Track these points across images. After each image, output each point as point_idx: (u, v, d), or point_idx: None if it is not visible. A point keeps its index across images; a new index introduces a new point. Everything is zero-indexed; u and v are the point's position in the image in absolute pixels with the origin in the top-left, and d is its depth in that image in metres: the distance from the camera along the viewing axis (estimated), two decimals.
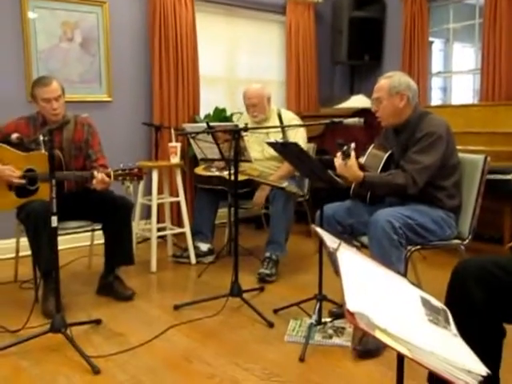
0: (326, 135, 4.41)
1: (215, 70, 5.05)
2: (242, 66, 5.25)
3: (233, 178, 2.82)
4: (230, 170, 3.21)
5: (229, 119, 4.69)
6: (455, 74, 5.29)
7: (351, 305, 1.03)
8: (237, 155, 2.74)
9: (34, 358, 2.26)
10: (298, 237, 4.23)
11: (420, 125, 2.54)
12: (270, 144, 2.52)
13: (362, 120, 2.53)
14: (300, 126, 3.55)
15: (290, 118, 3.71)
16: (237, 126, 3.04)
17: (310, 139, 3.88)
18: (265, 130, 3.53)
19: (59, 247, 2.34)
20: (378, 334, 1.02)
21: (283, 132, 3.56)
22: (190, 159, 4.49)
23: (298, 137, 3.52)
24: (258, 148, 3.64)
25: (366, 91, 5.03)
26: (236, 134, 2.72)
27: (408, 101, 2.57)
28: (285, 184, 3.30)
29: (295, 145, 2.37)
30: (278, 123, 3.59)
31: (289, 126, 3.56)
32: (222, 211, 4.17)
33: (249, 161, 3.33)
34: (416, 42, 4.93)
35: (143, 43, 4.47)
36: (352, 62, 5.38)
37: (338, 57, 5.38)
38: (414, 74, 4.83)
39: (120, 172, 2.70)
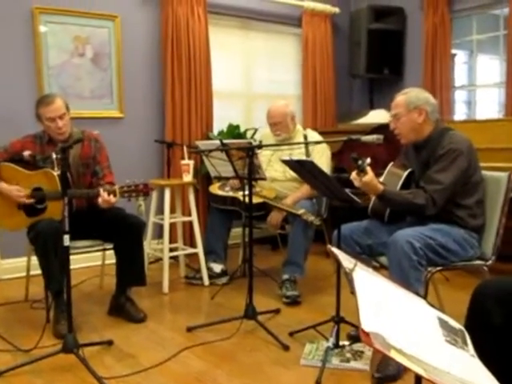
0: (344, 152, 4.43)
1: (229, 85, 5.15)
2: (258, 80, 5.34)
3: (247, 199, 2.87)
4: (244, 190, 3.24)
5: (242, 136, 4.75)
6: (479, 87, 5.33)
7: (366, 325, 1.09)
8: (251, 173, 2.80)
9: (47, 377, 2.35)
10: (316, 257, 4.27)
11: (441, 142, 2.57)
12: (285, 162, 2.58)
13: (381, 137, 2.56)
14: (317, 142, 3.57)
15: (317, 139, 3.68)
16: (250, 143, 3.08)
17: None
18: (287, 147, 3.58)
19: (70, 267, 2.41)
20: (394, 354, 1.08)
21: (307, 153, 3.61)
22: (203, 177, 4.56)
23: (323, 161, 3.54)
24: (279, 168, 3.66)
25: (386, 106, 5.05)
26: (250, 151, 2.77)
27: (427, 116, 2.61)
28: (301, 211, 3.30)
29: (310, 162, 2.44)
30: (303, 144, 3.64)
31: (306, 143, 3.62)
32: (236, 231, 4.23)
33: (263, 179, 3.39)
34: (438, 54, 4.94)
35: (155, 58, 4.58)
36: (371, 75, 5.43)
37: (357, 70, 5.44)
38: (436, 88, 4.85)
39: (126, 189, 2.74)
